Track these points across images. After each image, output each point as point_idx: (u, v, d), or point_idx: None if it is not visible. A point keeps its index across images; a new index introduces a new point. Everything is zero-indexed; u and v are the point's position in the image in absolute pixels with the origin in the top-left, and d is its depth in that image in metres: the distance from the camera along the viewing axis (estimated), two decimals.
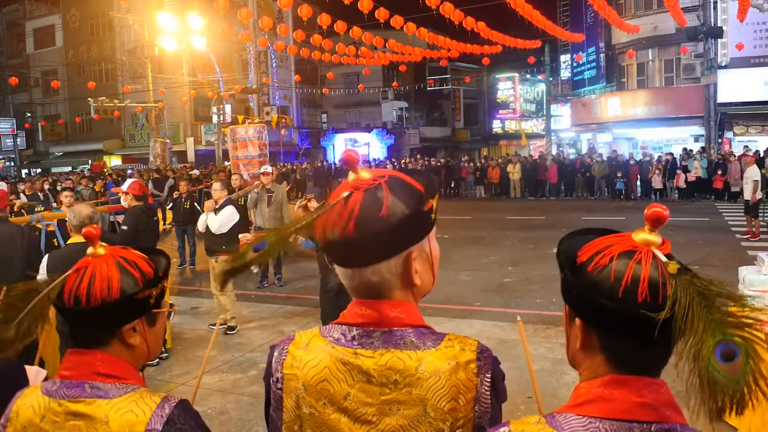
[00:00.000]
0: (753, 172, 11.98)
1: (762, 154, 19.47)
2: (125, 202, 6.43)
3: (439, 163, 27.57)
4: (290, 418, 1.12)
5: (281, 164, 27.39)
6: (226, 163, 20.12)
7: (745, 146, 21.38)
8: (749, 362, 0.83)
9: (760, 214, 12.31)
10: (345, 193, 1.07)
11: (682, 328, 0.88)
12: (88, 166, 32.66)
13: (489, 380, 1.07)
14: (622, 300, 0.93)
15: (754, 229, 12.03)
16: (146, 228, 6.30)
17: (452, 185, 25.92)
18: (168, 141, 26.88)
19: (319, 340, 1.13)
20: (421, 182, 1.12)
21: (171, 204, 10.84)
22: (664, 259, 0.95)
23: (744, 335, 0.85)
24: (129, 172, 23.82)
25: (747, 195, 11.99)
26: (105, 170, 27.90)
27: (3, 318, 1.20)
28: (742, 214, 12.89)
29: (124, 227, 6.23)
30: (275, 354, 1.16)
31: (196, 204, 10.88)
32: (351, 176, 1.10)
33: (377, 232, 1.03)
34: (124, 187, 6.50)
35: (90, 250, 1.27)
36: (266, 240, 1.11)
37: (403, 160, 30.10)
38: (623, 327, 0.94)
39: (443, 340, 1.09)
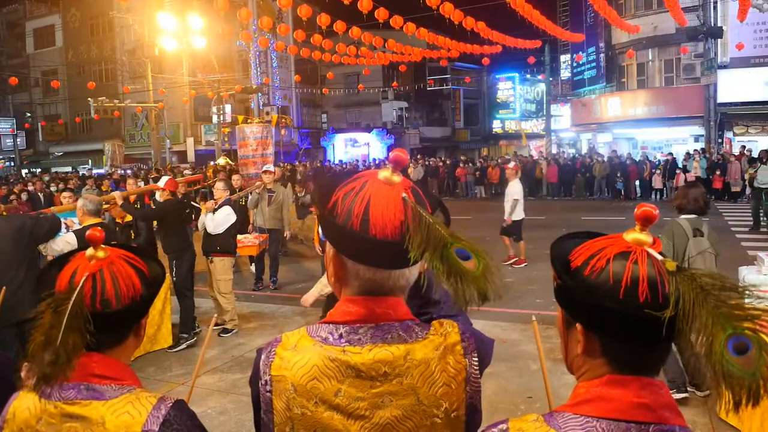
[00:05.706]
0: (514, 189, 9.90)
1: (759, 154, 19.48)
2: (160, 197, 6.75)
3: (437, 164, 27.54)
4: (281, 420, 1.10)
5: (283, 164, 27.38)
6: (220, 161, 20.15)
7: (742, 146, 21.38)
8: (762, 354, 0.83)
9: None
10: (403, 194, 1.06)
11: (686, 324, 0.87)
12: (89, 166, 32.67)
13: (476, 360, 1.10)
14: (623, 301, 0.92)
15: (514, 253, 10.06)
16: (176, 216, 6.66)
17: (453, 186, 25.93)
18: (123, 144, 27.21)
19: (306, 341, 1.11)
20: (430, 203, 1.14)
21: None
22: (659, 257, 0.95)
23: (753, 327, 0.84)
24: (128, 172, 23.75)
25: (505, 215, 9.94)
26: None
27: (46, 340, 1.12)
28: (743, 213, 12.50)
29: (153, 206, 7.08)
30: (262, 357, 1.15)
31: (193, 204, 10.82)
32: (381, 174, 1.08)
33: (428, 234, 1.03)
34: (161, 183, 6.86)
35: (90, 251, 1.25)
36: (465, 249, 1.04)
37: None
38: (627, 329, 0.93)
39: (429, 330, 1.11)
